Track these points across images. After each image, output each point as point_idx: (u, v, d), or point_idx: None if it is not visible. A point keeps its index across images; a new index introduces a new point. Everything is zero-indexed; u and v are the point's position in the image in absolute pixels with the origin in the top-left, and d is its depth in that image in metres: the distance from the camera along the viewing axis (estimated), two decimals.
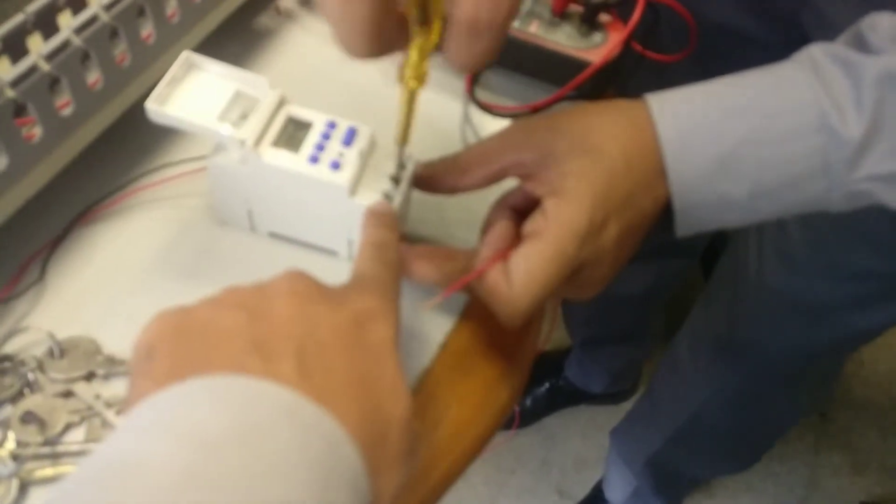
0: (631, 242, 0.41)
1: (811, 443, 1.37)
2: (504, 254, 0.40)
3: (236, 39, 0.56)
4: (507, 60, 0.58)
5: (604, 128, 0.40)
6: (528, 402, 1.30)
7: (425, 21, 0.33)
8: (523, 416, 1.29)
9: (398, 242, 0.39)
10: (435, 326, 0.45)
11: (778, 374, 0.81)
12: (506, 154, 0.41)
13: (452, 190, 0.44)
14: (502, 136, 0.42)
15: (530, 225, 0.40)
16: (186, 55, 0.41)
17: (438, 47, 0.34)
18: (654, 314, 1.17)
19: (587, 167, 0.39)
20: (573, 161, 0.39)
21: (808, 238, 0.68)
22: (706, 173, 0.39)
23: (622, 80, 0.60)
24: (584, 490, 1.24)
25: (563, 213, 0.38)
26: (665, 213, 0.41)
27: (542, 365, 1.32)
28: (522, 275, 0.38)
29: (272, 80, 0.54)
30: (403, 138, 0.40)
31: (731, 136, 0.38)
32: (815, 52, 0.40)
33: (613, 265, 0.41)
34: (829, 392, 1.35)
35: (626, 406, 1.35)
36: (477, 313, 0.45)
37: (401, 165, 0.43)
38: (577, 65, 0.55)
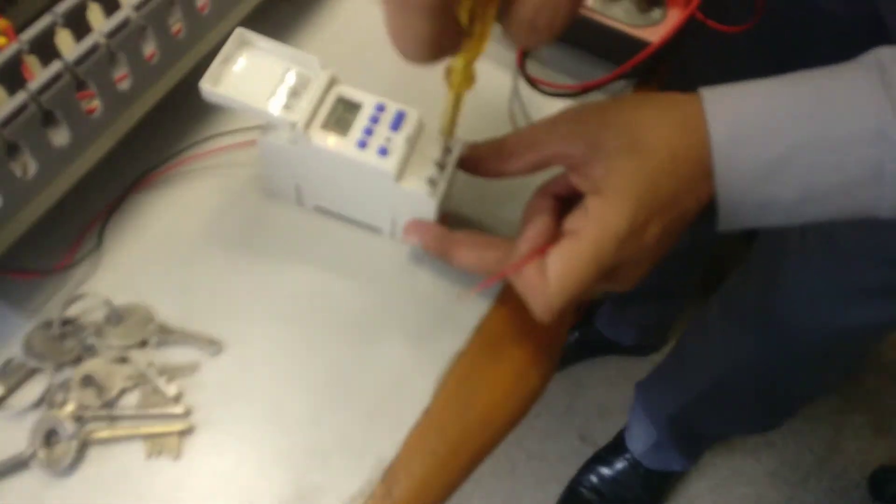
0: (670, 241, 0.41)
1: (836, 403, 1.38)
2: (542, 250, 0.40)
3: (291, 2, 0.56)
4: (562, 34, 0.57)
5: (654, 126, 0.39)
6: None
7: (474, 31, 0.33)
8: None
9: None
10: (469, 311, 0.46)
11: (808, 350, 0.81)
12: (553, 144, 0.41)
13: (497, 174, 0.44)
14: (552, 124, 0.41)
15: (571, 222, 0.40)
16: (239, 32, 0.42)
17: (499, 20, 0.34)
18: (688, 272, 1.16)
19: (633, 167, 0.38)
20: (620, 160, 0.38)
21: (852, 227, 0.66)
22: (755, 176, 0.38)
23: (681, 53, 0.58)
24: (605, 437, 1.28)
25: (605, 214, 0.38)
26: (708, 205, 0.41)
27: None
28: (559, 274, 0.39)
29: (323, 46, 0.55)
30: (449, 132, 0.41)
31: (784, 140, 0.38)
32: (884, 55, 0.38)
33: (651, 262, 0.41)
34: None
35: (655, 358, 1.37)
36: (510, 300, 0.46)
37: (446, 150, 0.43)
38: (634, 44, 0.53)
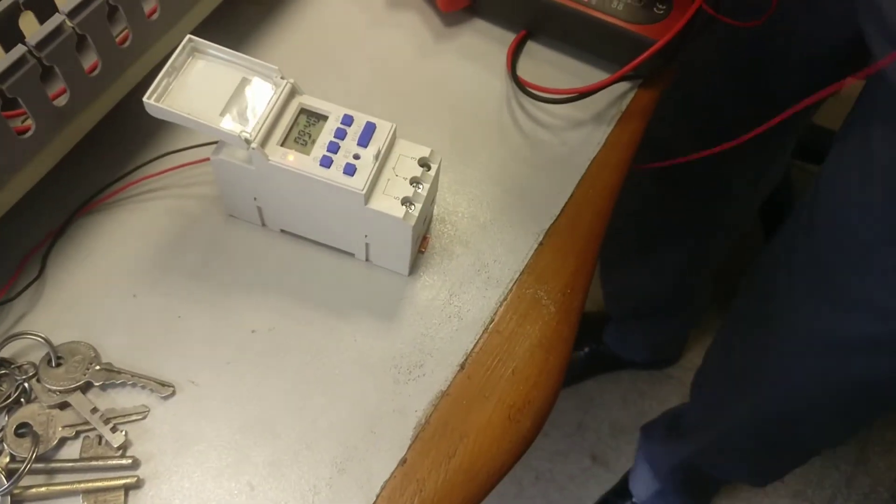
0: None
1: None
2: None
3: (255, 3, 0.52)
4: (556, 31, 0.52)
5: None
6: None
7: None
8: None
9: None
10: (455, 344, 0.41)
11: (808, 408, 0.74)
12: None
13: None
14: None
15: None
16: (188, 40, 0.37)
17: None
18: (697, 285, 1.10)
19: None
20: None
21: (838, 271, 0.60)
22: None
23: (688, 51, 0.53)
24: (618, 456, 1.22)
25: None
26: None
27: (584, 328, 1.27)
28: None
29: (291, 52, 0.50)
30: None
31: None
32: None
33: None
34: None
35: (670, 372, 1.31)
36: (502, 331, 0.42)
37: (424, 166, 0.39)
38: (634, 42, 0.49)
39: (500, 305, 0.43)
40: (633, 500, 1.14)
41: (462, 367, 0.41)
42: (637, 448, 1.14)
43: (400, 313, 0.42)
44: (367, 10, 0.52)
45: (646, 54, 0.47)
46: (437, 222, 0.45)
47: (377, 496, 0.37)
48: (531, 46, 0.53)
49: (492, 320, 0.42)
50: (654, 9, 0.49)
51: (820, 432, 0.80)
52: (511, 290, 0.43)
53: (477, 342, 0.41)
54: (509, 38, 0.52)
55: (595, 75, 0.51)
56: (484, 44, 0.52)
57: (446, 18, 0.53)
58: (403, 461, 0.38)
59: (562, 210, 0.46)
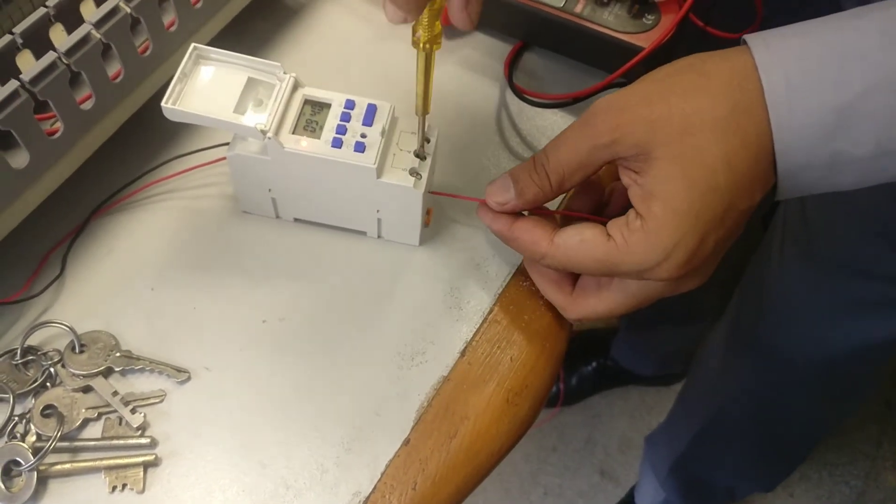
0: (730, 243, 0.37)
1: (874, 433, 1.31)
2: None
3: (267, 17, 0.55)
4: (550, 42, 0.55)
5: (706, 120, 0.34)
6: (574, 380, 1.27)
7: None
8: (568, 394, 1.27)
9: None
10: (456, 331, 0.43)
11: (801, 377, 0.75)
12: (602, 154, 0.36)
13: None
14: (591, 129, 0.36)
15: (617, 241, 0.36)
16: (193, 48, 0.40)
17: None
18: (704, 294, 1.11)
19: (679, 190, 0.34)
20: (664, 179, 0.34)
21: (829, 235, 0.62)
22: (822, 129, 0.32)
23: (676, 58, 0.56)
24: (627, 472, 1.22)
25: (647, 247, 0.34)
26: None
27: (590, 343, 1.29)
28: (592, 311, 0.40)
29: (302, 59, 0.53)
30: (424, 107, 0.39)
31: (853, 82, 0.31)
32: None
33: (710, 269, 0.37)
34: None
35: (678, 387, 1.31)
36: (500, 321, 0.44)
37: (425, 139, 0.42)
38: (625, 50, 0.51)
39: (499, 297, 0.45)
40: None
41: (462, 353, 0.43)
42: (642, 460, 1.14)
43: (405, 305, 0.44)
44: (371, 24, 0.55)
45: (634, 60, 0.50)
46: (437, 219, 0.47)
47: (382, 474, 0.39)
48: (528, 57, 0.55)
49: (491, 310, 0.44)
50: (644, 19, 0.52)
51: (807, 415, 0.81)
52: (509, 282, 0.45)
53: (477, 330, 0.43)
54: (507, 49, 0.55)
55: (589, 83, 0.54)
56: (483, 55, 0.55)
57: (448, 32, 0.56)
58: (407, 441, 0.40)
59: (559, 207, 0.48)
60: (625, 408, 1.31)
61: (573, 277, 0.42)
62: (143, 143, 0.48)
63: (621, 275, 0.37)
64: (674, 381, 1.30)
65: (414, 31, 0.35)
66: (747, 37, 0.34)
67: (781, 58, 0.33)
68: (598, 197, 0.42)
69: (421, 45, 0.35)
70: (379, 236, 0.46)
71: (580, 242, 0.37)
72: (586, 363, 1.27)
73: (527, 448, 1.25)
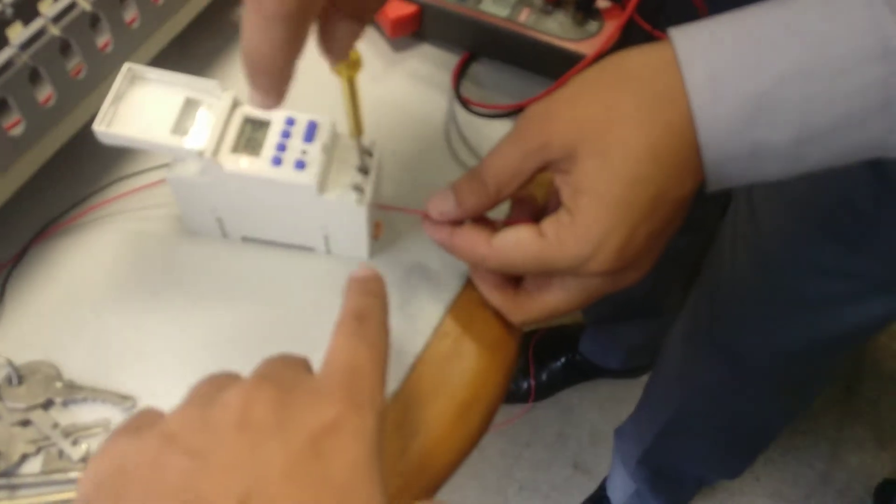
0: (666, 235, 0.37)
1: (835, 416, 1.34)
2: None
3: (215, 34, 0.54)
4: (496, 52, 0.55)
5: (628, 113, 0.34)
6: (544, 376, 1.28)
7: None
8: (539, 389, 1.28)
9: (386, 309, 0.34)
10: (410, 344, 0.43)
11: (756, 372, 0.77)
12: (533, 159, 0.36)
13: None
14: (521, 137, 0.36)
15: (549, 238, 0.36)
16: (128, 68, 0.39)
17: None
18: (670, 287, 1.13)
19: (604, 182, 0.34)
20: (589, 174, 0.34)
21: (777, 233, 0.63)
22: (741, 117, 0.32)
23: None
24: (599, 463, 1.24)
25: (578, 240, 0.35)
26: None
27: (558, 339, 1.30)
28: (535, 312, 0.40)
29: (244, 80, 0.52)
30: (357, 130, 0.39)
31: (770, 68, 0.32)
32: None
33: (648, 262, 0.38)
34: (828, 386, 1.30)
35: (646, 379, 1.33)
36: (451, 333, 0.44)
37: (366, 153, 0.41)
38: (569, 57, 0.51)
39: (449, 308, 0.45)
40: None
41: (413, 368, 0.42)
42: (613, 452, 1.15)
43: None
44: (313, 40, 0.55)
45: (578, 66, 0.50)
46: (388, 232, 0.47)
47: None
48: (475, 68, 0.55)
49: (441, 323, 0.44)
50: (587, 26, 0.52)
51: (766, 408, 0.83)
52: (459, 294, 0.45)
53: (428, 344, 0.43)
54: (454, 60, 0.55)
55: (537, 91, 0.54)
56: (431, 67, 0.55)
57: (395, 44, 0.56)
58: None
59: (507, 216, 0.48)
60: (595, 401, 1.32)
61: (516, 282, 0.42)
62: (86, 166, 0.47)
63: (558, 272, 0.37)
64: (642, 373, 1.32)
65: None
66: (670, 29, 0.35)
67: (702, 48, 0.33)
68: (537, 205, 0.42)
69: (342, 72, 0.36)
70: (328, 251, 0.45)
71: (516, 242, 0.37)
72: (555, 359, 1.29)
73: (501, 444, 1.26)
